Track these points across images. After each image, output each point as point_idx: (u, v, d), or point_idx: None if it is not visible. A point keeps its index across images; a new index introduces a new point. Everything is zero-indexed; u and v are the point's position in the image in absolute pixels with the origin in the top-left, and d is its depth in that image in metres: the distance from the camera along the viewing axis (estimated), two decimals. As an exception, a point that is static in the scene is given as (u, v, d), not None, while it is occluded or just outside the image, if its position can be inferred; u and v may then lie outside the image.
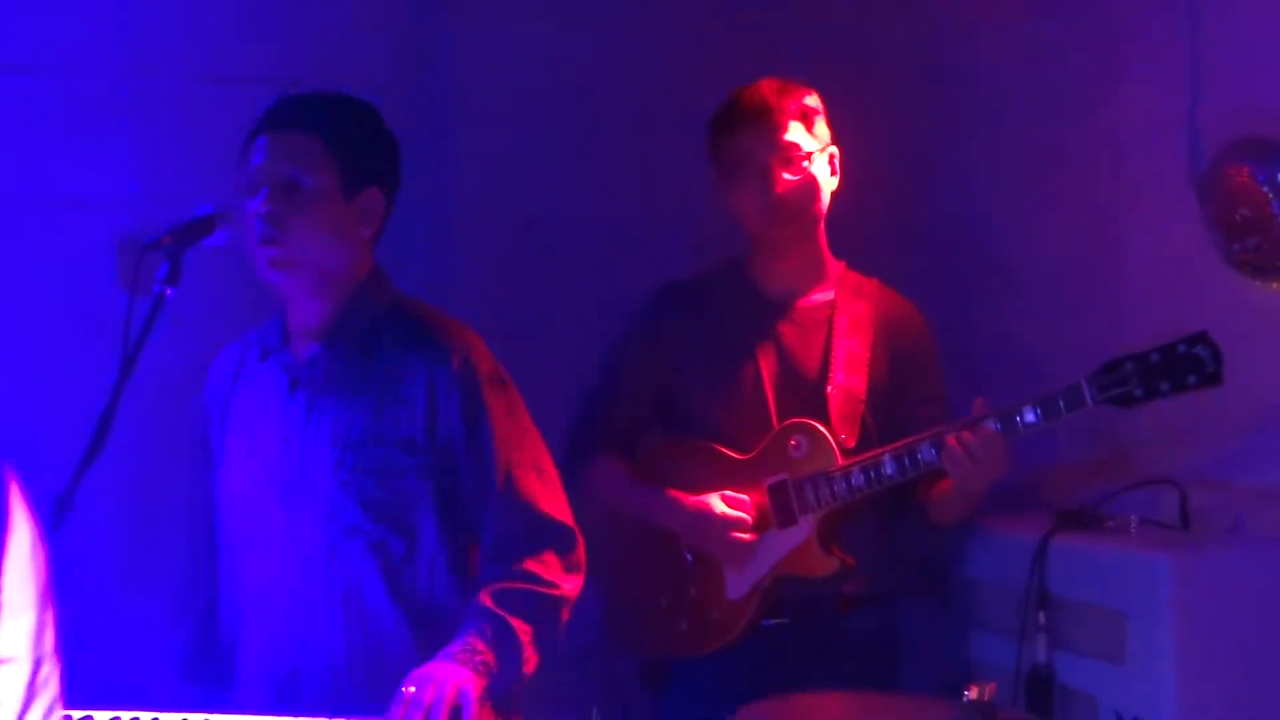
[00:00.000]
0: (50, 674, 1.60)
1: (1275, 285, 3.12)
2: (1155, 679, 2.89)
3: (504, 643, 2.42)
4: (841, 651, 2.99)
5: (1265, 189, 3.07)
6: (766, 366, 3.08)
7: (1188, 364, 2.68)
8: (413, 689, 2.26)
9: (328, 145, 2.49)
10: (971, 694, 1.80)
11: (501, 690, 2.42)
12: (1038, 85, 3.68)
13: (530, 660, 2.47)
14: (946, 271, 3.83)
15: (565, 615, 2.54)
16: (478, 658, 2.36)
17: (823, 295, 3.13)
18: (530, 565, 2.52)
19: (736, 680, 2.92)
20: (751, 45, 3.68)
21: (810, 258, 3.12)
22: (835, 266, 3.16)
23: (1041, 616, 3.08)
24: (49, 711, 1.59)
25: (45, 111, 3.12)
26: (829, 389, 3.04)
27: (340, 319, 2.54)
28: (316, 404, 2.51)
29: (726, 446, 3.07)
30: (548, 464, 2.63)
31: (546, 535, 2.56)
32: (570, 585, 2.55)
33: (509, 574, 2.50)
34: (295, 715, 2.30)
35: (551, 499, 2.60)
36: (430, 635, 2.45)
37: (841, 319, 3.09)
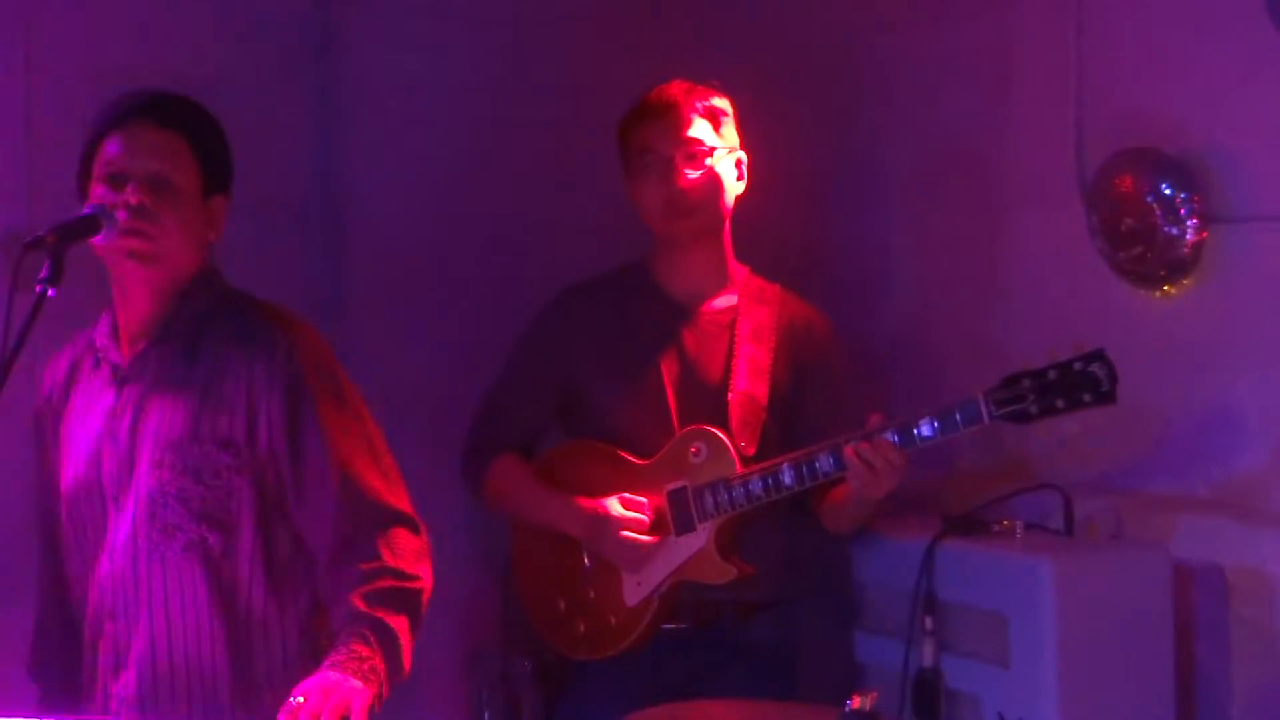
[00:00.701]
0: None
1: (1158, 293, 3.18)
2: (1038, 681, 2.91)
3: (387, 644, 2.39)
4: (740, 657, 3.02)
5: (1149, 199, 3.14)
6: (668, 370, 3.09)
7: (1083, 382, 2.71)
8: (301, 699, 2.23)
9: (192, 146, 2.49)
10: (854, 703, 1.82)
11: (390, 692, 2.38)
12: (935, 92, 3.72)
13: (409, 657, 2.44)
14: (847, 279, 3.86)
15: (425, 605, 2.51)
16: (365, 664, 2.33)
17: (726, 300, 3.14)
18: (389, 561, 2.48)
19: (635, 683, 2.95)
20: (669, 46, 3.71)
21: (714, 261, 3.13)
22: (739, 271, 3.18)
23: (929, 621, 3.09)
24: None
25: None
26: (730, 396, 3.05)
27: (168, 318, 2.51)
28: (143, 403, 2.48)
29: (627, 450, 3.07)
30: (385, 455, 2.59)
31: (396, 527, 2.53)
32: (427, 574, 2.52)
33: (371, 573, 2.46)
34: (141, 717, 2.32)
35: (393, 490, 2.56)
36: (245, 644, 2.46)
37: (744, 325, 3.10)
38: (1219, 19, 3.04)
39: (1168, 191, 3.11)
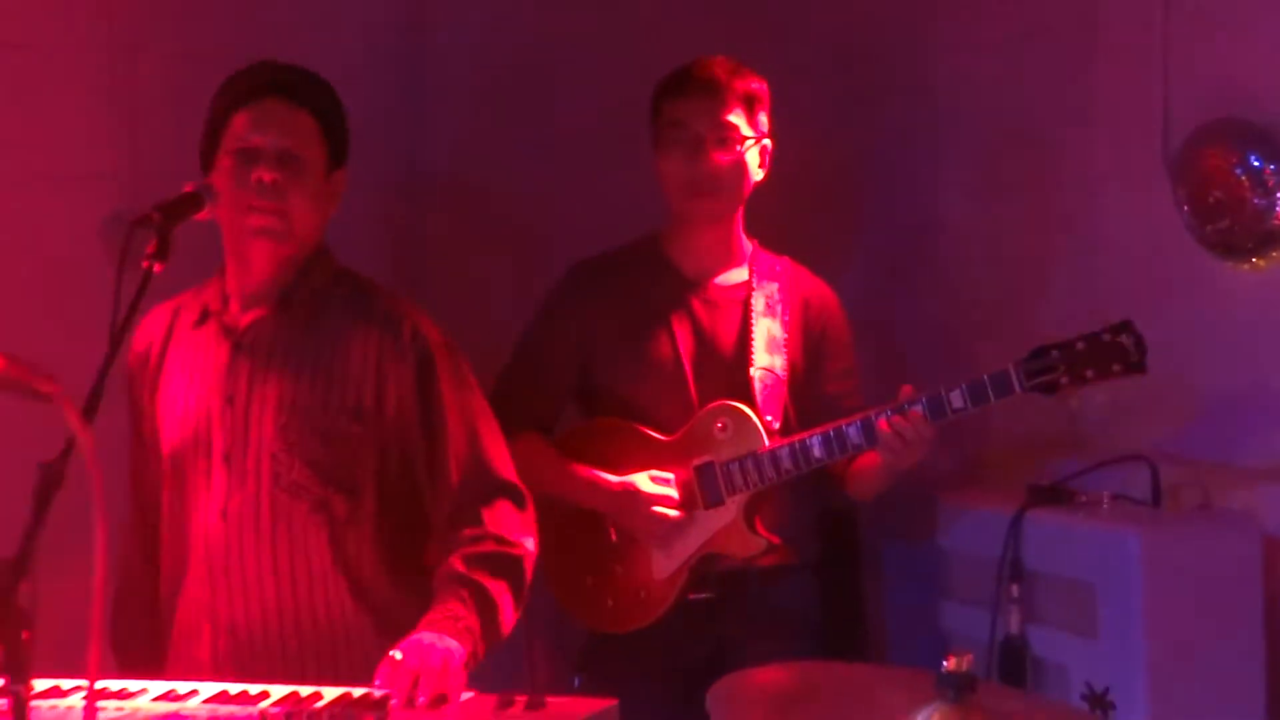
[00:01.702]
0: None
1: (1246, 266, 3.16)
2: (1126, 652, 2.94)
3: (483, 606, 2.42)
4: (768, 622, 3.00)
5: (1238, 171, 3.11)
6: (684, 346, 3.07)
7: (1113, 352, 2.72)
8: (399, 655, 2.26)
9: (319, 123, 2.52)
10: (949, 664, 1.77)
11: (486, 653, 2.41)
12: (1008, 70, 3.69)
13: (509, 620, 2.47)
14: (912, 260, 3.86)
15: (530, 574, 2.54)
16: (461, 624, 2.36)
17: (737, 275, 3.12)
18: (491, 528, 2.52)
19: (665, 655, 2.97)
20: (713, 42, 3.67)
21: (725, 238, 3.11)
22: (749, 246, 3.15)
23: (1015, 589, 3.12)
24: None
25: (31, 87, 3.12)
26: (751, 371, 3.03)
27: (289, 288, 2.54)
28: (262, 368, 2.51)
29: (648, 427, 3.06)
30: (497, 428, 2.63)
31: (503, 497, 2.57)
32: (530, 542, 2.56)
33: (474, 538, 2.50)
34: (232, 679, 2.31)
35: (505, 462, 2.61)
36: (365, 604, 2.49)
37: (757, 299, 3.09)
38: None
39: (1256, 163, 3.09)
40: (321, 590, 2.48)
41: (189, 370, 2.58)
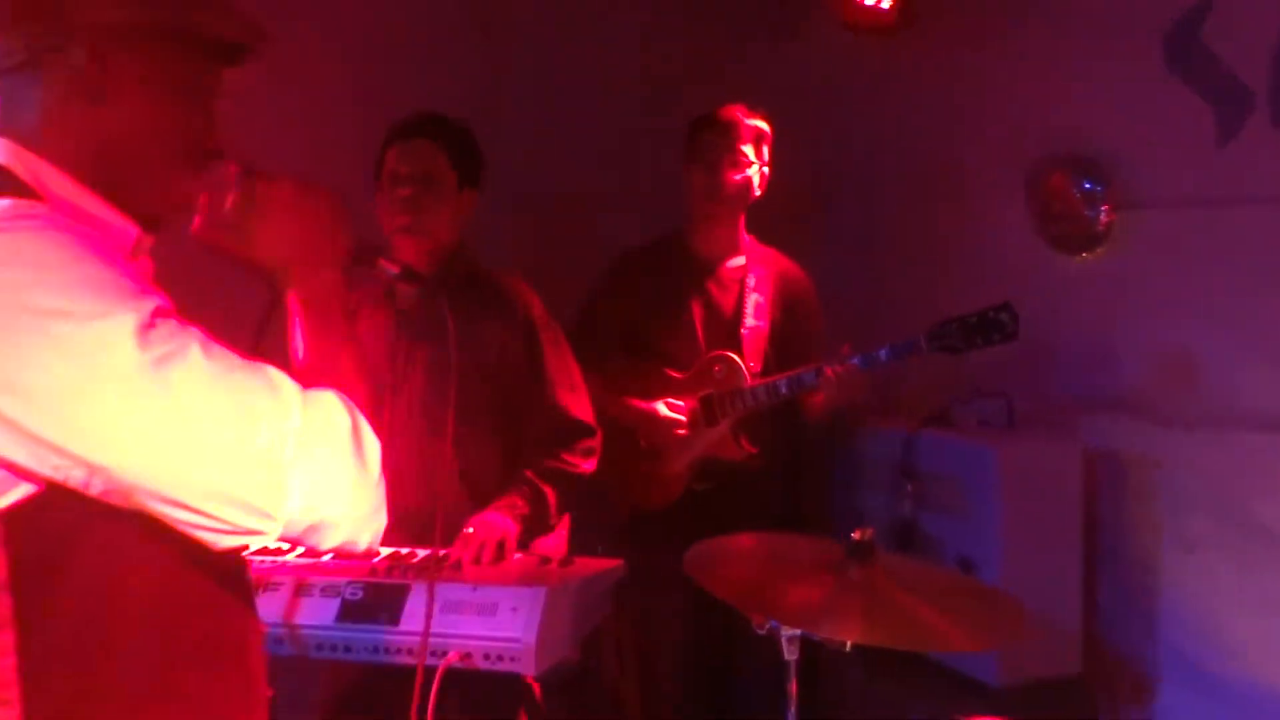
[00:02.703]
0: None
1: (1078, 259, 3.19)
2: (986, 529, 2.98)
3: (537, 502, 2.47)
4: (753, 509, 2.99)
5: (1074, 191, 3.17)
6: (697, 311, 3.06)
7: (995, 325, 2.72)
8: (471, 530, 2.33)
9: (449, 155, 2.51)
10: (856, 535, 1.83)
11: (532, 535, 2.46)
12: (923, 110, 3.69)
13: (554, 516, 2.52)
14: (848, 256, 3.82)
15: (581, 486, 2.58)
16: (517, 511, 2.42)
17: (738, 261, 3.11)
18: (562, 452, 2.57)
19: (683, 529, 2.96)
20: (717, 79, 3.59)
21: (731, 234, 3.10)
22: (748, 240, 3.14)
23: (909, 485, 3.17)
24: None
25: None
26: (742, 330, 3.05)
27: (436, 277, 2.50)
28: (419, 333, 2.50)
29: (670, 368, 3.07)
30: (580, 381, 2.64)
31: (574, 432, 2.60)
32: (588, 466, 2.59)
33: (546, 456, 2.54)
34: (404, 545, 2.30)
35: (581, 407, 2.62)
36: (470, 491, 2.48)
37: (751, 278, 3.08)
38: (1125, 52, 3.01)
39: (1088, 186, 3.14)
40: (447, 484, 2.47)
41: (370, 328, 2.54)
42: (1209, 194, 2.88)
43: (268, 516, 1.14)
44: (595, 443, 2.64)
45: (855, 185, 3.84)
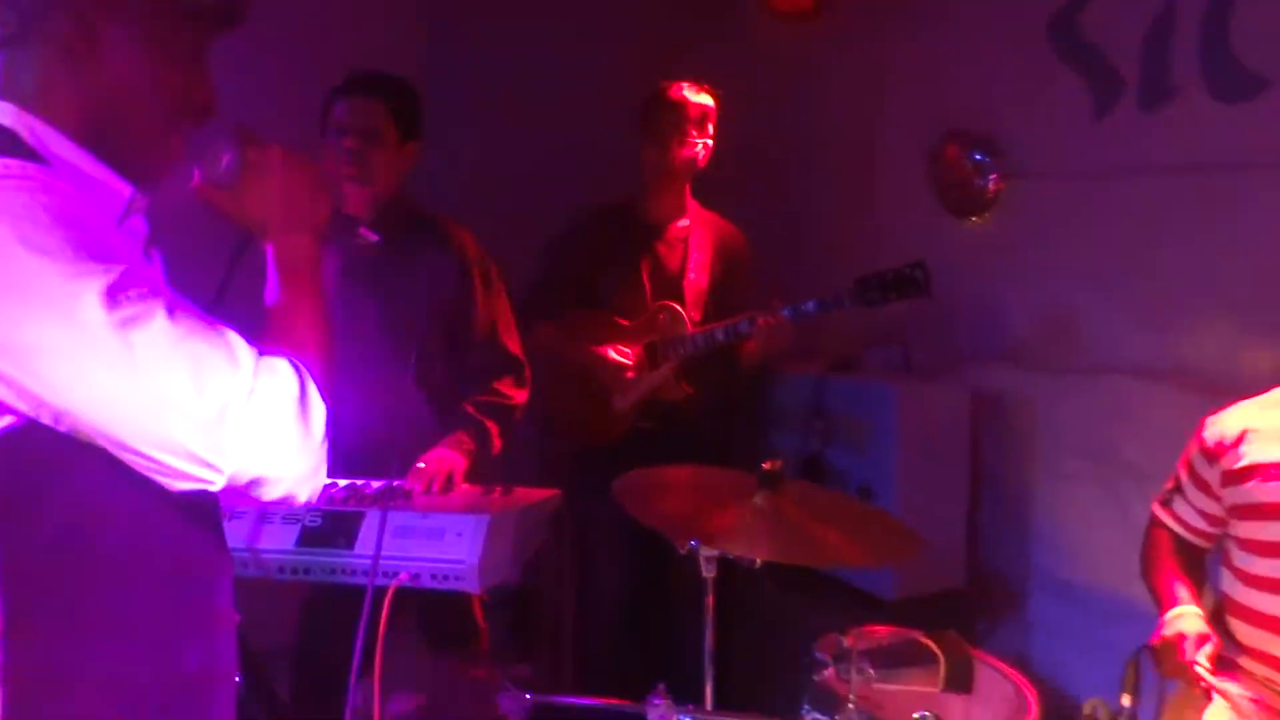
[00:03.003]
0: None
1: (969, 222, 3.27)
2: (884, 461, 3.05)
3: (480, 436, 2.47)
4: (690, 446, 2.94)
5: (966, 162, 3.23)
6: (645, 266, 3.07)
7: (910, 282, 2.74)
8: (422, 465, 2.32)
9: (391, 111, 2.48)
10: (767, 466, 1.87)
11: (478, 465, 2.45)
12: (839, 90, 3.70)
13: (497, 446, 2.51)
14: (775, 218, 3.78)
15: (518, 415, 2.57)
16: (464, 446, 2.43)
17: (683, 223, 3.11)
18: (496, 384, 2.55)
19: (626, 462, 2.98)
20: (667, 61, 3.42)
21: (678, 201, 3.11)
22: (692, 204, 3.13)
23: (819, 423, 3.22)
24: None
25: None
26: (684, 283, 3.06)
27: (380, 220, 2.46)
28: (365, 268, 2.46)
29: (620, 317, 3.07)
30: (510, 318, 2.62)
31: (507, 365, 2.59)
32: (521, 397, 2.58)
33: (483, 389, 2.52)
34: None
35: (512, 340, 2.61)
36: (408, 427, 2.45)
37: (694, 238, 3.10)
38: (1014, 37, 3.05)
39: (979, 158, 3.20)
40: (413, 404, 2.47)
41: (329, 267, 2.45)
42: (1086, 167, 2.92)
43: (215, 469, 1.16)
44: (527, 374, 2.63)
45: (784, 157, 3.83)
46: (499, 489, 2.29)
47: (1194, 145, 2.66)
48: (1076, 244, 2.97)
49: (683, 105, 3.02)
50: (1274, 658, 2.03)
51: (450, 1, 3.63)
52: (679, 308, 3.05)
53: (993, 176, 3.18)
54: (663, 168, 3.05)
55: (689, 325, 3.04)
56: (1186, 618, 2.03)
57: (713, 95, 3.05)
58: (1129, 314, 2.86)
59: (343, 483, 2.27)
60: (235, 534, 2.05)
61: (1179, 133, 2.70)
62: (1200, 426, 2.17)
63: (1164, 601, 2.11)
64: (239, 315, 1.28)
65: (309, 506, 2.03)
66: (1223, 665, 2.05)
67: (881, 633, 1.90)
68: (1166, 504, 2.25)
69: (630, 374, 3.04)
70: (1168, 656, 1.98)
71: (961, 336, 3.29)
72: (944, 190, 3.31)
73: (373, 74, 2.53)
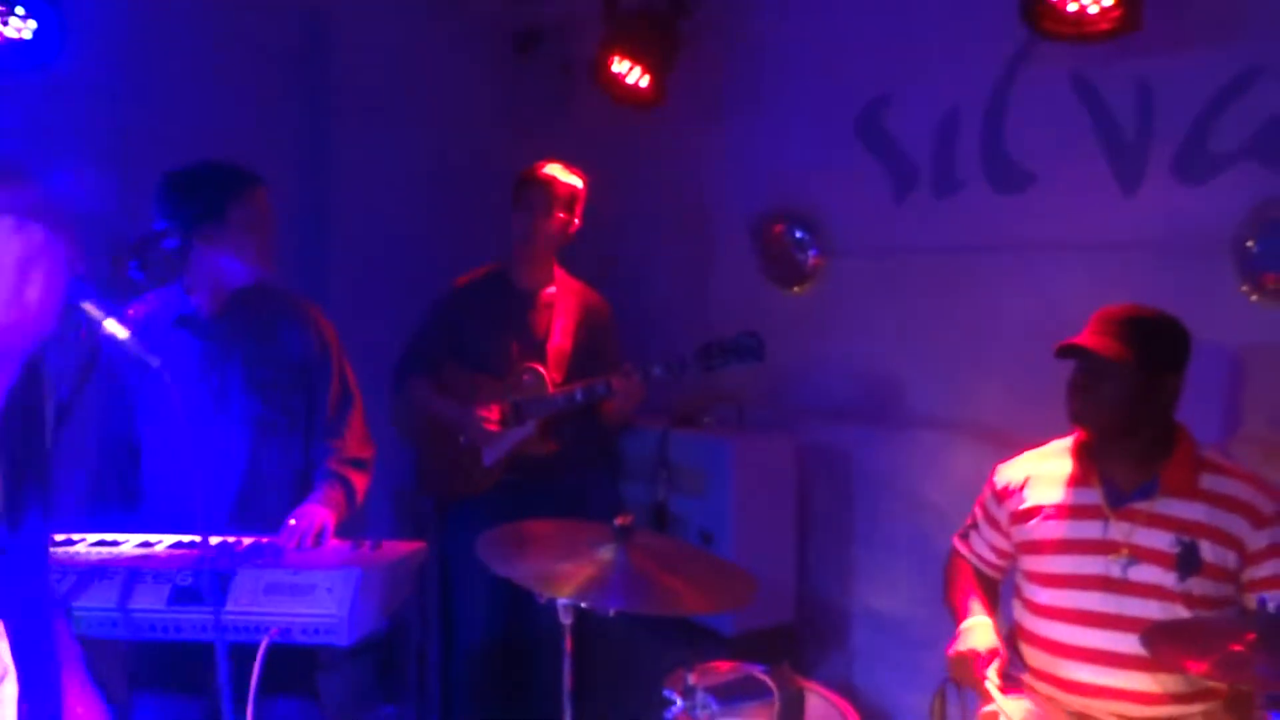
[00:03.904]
0: None
1: (791, 292, 3.33)
2: (722, 508, 3.07)
3: (346, 490, 2.43)
4: (552, 497, 2.98)
5: (787, 238, 3.31)
6: (513, 330, 3.07)
7: (747, 349, 2.81)
8: (293, 521, 2.26)
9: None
10: (619, 522, 1.90)
11: (345, 517, 2.40)
12: (676, 171, 3.68)
13: (360, 499, 2.46)
14: (614, 285, 3.80)
15: (371, 471, 2.51)
16: (331, 500, 2.37)
17: (550, 291, 3.12)
18: (350, 442, 2.48)
19: (490, 513, 2.87)
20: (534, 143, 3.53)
21: (545, 270, 3.13)
22: (559, 273, 3.16)
23: (663, 472, 3.22)
24: None
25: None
26: (548, 347, 3.06)
27: (237, 302, 2.41)
28: (223, 349, 2.38)
29: (486, 374, 3.05)
30: (355, 387, 2.55)
31: (355, 423, 2.52)
32: (371, 454, 2.52)
33: (339, 448, 2.46)
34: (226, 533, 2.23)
35: (358, 408, 2.54)
36: (274, 485, 2.40)
37: (559, 305, 3.11)
38: (830, 137, 3.12)
39: (799, 234, 3.28)
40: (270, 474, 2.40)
41: (170, 354, 2.33)
42: (889, 243, 3.04)
43: None
44: (369, 436, 2.57)
45: (630, 231, 3.85)
46: (368, 543, 2.23)
47: (977, 228, 2.82)
48: (884, 311, 3.07)
49: (550, 184, 3.06)
50: (1057, 678, 2.14)
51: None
52: (542, 369, 3.04)
53: (813, 252, 3.27)
54: (529, 239, 3.07)
55: (550, 386, 3.03)
56: (979, 629, 2.11)
57: (582, 178, 3.10)
58: (929, 374, 2.96)
59: (214, 540, 2.19)
60: (105, 594, 1.96)
61: (965, 218, 2.86)
62: (992, 472, 2.29)
63: (960, 615, 2.20)
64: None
65: (179, 565, 2.02)
66: (1012, 683, 2.15)
67: (723, 668, 1.93)
68: (964, 538, 2.37)
69: (495, 428, 3.01)
70: (963, 669, 2.05)
71: (788, 395, 3.33)
72: (769, 263, 3.39)
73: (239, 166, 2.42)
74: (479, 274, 3.20)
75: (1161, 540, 2.04)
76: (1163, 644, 1.77)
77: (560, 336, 3.10)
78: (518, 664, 3.12)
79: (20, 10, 2.62)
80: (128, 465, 2.43)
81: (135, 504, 2.41)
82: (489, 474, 3.04)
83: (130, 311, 2.35)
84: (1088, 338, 2.04)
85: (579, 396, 2.96)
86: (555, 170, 3.07)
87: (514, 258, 3.15)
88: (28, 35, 2.62)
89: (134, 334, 1.49)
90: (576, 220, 3.11)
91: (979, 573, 2.34)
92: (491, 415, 3.02)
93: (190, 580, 1.99)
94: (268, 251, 2.41)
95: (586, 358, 3.11)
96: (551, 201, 3.04)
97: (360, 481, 2.47)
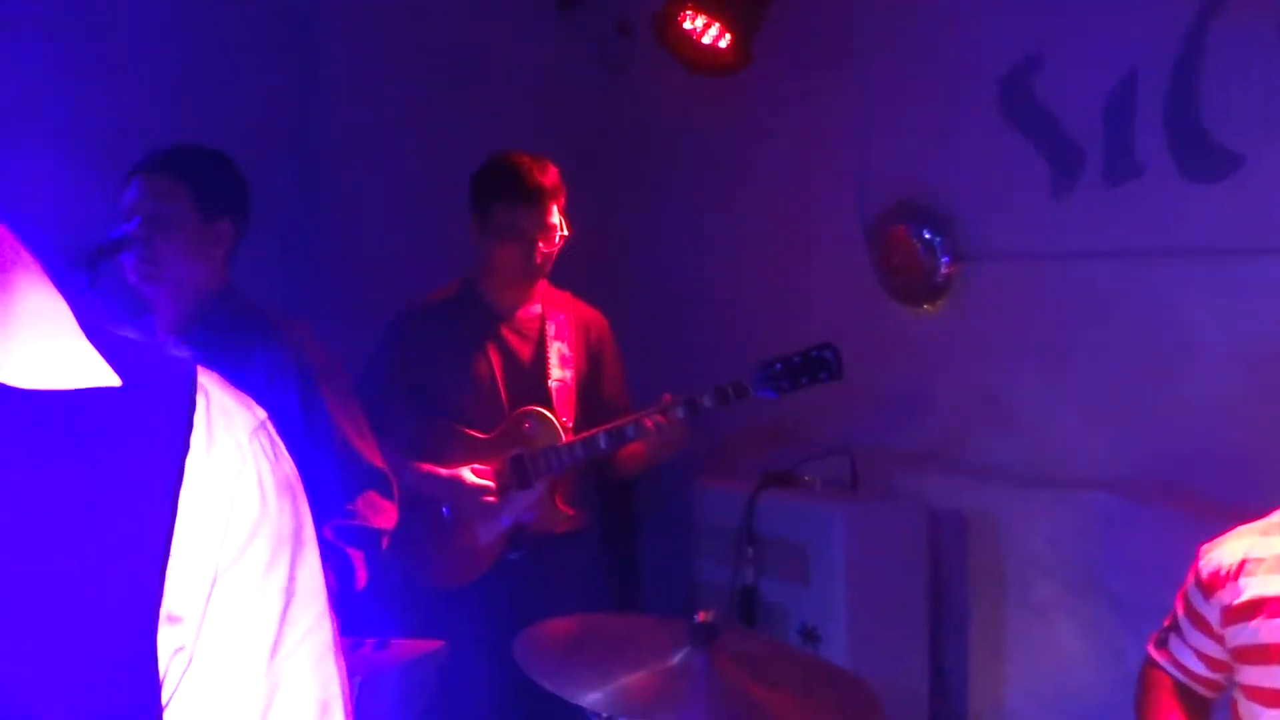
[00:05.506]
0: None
1: (921, 309, 3.31)
2: (830, 598, 3.03)
3: (341, 567, 2.41)
4: (563, 572, 2.99)
5: (915, 242, 3.28)
6: (496, 362, 3.01)
7: (819, 364, 2.76)
8: None
9: (189, 186, 2.45)
10: (700, 617, 1.86)
11: (340, 602, 2.36)
12: (760, 156, 3.75)
13: (361, 579, 2.45)
14: (675, 304, 3.88)
15: (385, 542, 2.51)
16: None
17: (535, 308, 3.07)
18: (359, 505, 2.48)
19: (490, 602, 2.93)
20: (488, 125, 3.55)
21: (527, 283, 3.08)
22: (541, 284, 3.09)
23: (750, 550, 3.18)
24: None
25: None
26: (550, 382, 3.02)
27: (196, 318, 2.47)
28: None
29: (470, 428, 3.00)
30: (366, 426, 2.58)
31: (370, 481, 2.53)
32: (388, 518, 2.52)
33: (343, 512, 2.46)
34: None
35: (372, 452, 2.57)
36: None
37: (550, 325, 3.06)
38: (964, 110, 3.15)
39: (928, 236, 3.25)
40: None
41: None
42: (1046, 247, 3.03)
43: None
44: (393, 488, 2.57)
45: (706, 232, 3.86)
46: (371, 641, 2.22)
47: (1164, 226, 2.79)
48: (1039, 336, 3.07)
49: (542, 193, 2.99)
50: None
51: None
52: (547, 412, 2.99)
53: (945, 258, 3.26)
54: (528, 266, 3.02)
55: (562, 434, 2.98)
56: None
57: (555, 167, 3.05)
58: (1101, 419, 2.93)
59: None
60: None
61: (1147, 213, 2.82)
62: (1196, 554, 2.20)
63: None
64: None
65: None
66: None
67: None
68: (1161, 644, 2.28)
69: (493, 499, 2.97)
70: None
71: (915, 445, 3.32)
72: (887, 273, 3.37)
73: (171, 148, 2.49)
74: (437, 297, 3.14)
75: None
76: None
77: (561, 367, 3.06)
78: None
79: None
80: None
81: None
82: (488, 554, 3.01)
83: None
84: None
85: (603, 444, 2.90)
86: (542, 173, 2.98)
87: (486, 273, 3.10)
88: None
89: None
90: (566, 232, 3.04)
91: (1182, 688, 2.25)
92: (485, 479, 2.97)
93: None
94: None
95: (595, 391, 3.10)
96: (545, 221, 2.97)
97: (360, 555, 2.46)
